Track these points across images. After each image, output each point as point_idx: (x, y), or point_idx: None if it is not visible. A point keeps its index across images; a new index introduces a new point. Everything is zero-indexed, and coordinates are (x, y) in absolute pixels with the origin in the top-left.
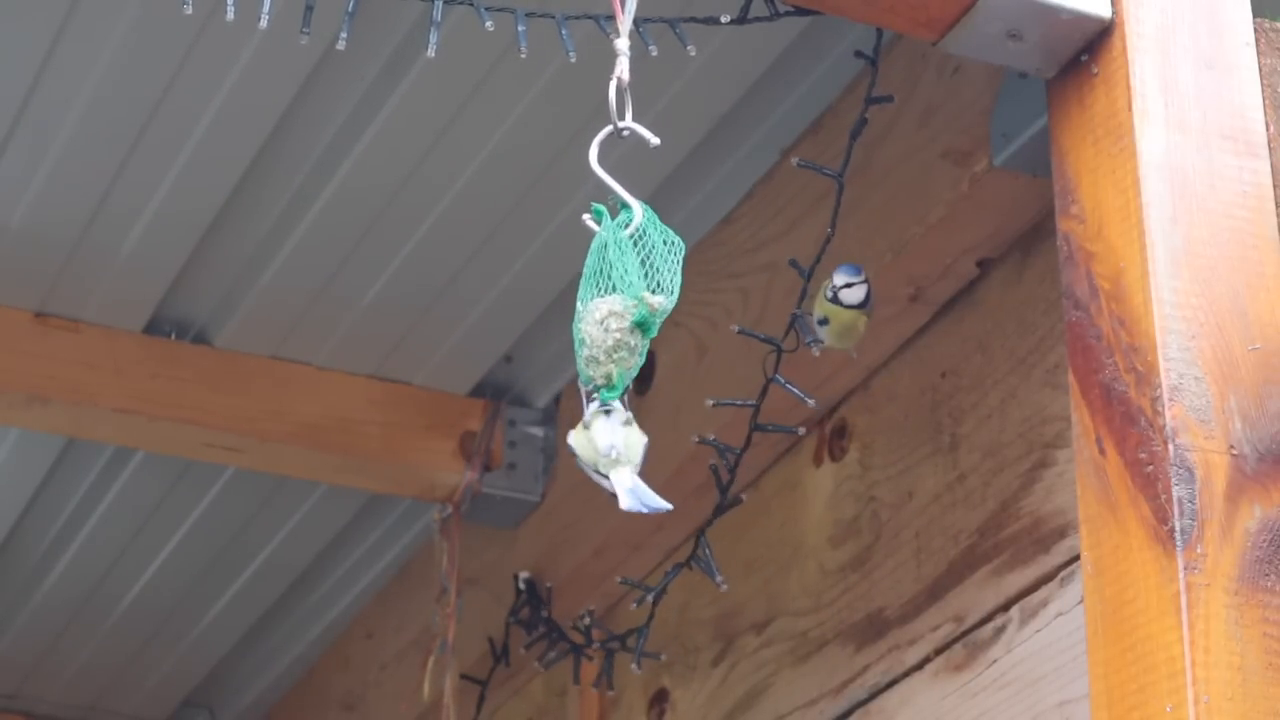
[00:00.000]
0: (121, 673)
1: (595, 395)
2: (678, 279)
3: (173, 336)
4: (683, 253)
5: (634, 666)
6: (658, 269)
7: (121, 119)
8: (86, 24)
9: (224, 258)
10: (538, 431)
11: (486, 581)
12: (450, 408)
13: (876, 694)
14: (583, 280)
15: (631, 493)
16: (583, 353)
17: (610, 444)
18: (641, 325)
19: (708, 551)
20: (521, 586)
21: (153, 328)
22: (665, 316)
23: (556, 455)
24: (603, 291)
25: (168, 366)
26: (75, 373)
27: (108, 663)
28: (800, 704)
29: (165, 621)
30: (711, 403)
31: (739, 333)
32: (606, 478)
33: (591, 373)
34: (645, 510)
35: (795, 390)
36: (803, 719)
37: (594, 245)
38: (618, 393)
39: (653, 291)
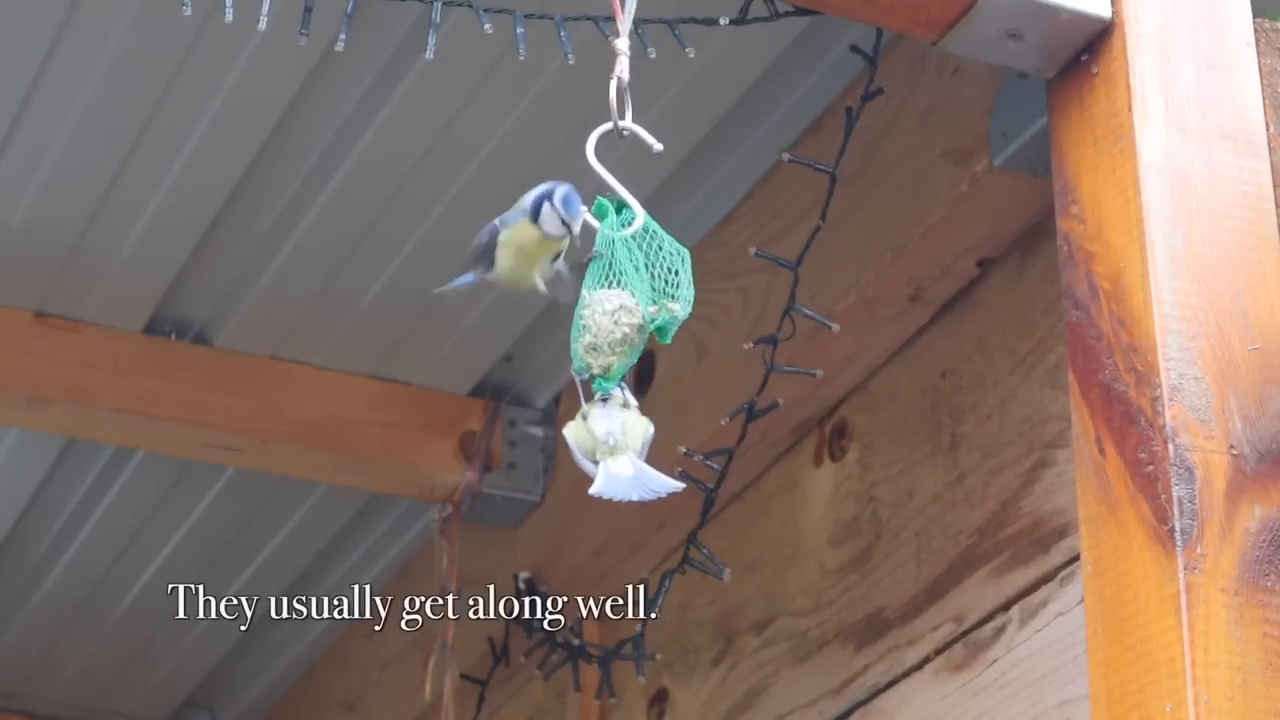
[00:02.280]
0: (121, 673)
1: (590, 383)
2: (692, 289)
3: (173, 336)
4: (689, 263)
5: (640, 677)
6: (676, 276)
7: (121, 119)
8: (86, 24)
9: (224, 258)
10: (538, 431)
11: (486, 581)
12: (450, 408)
13: (876, 694)
14: (588, 271)
15: (612, 479)
16: (584, 339)
17: (608, 430)
18: (660, 331)
19: (704, 551)
20: (522, 586)
21: (153, 328)
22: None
23: (556, 455)
24: (609, 284)
25: (168, 366)
26: (75, 373)
27: (108, 663)
28: (800, 704)
29: (165, 621)
30: (725, 421)
31: (756, 344)
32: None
33: (591, 360)
34: (636, 498)
35: (798, 370)
36: (802, 719)
37: (600, 238)
38: (614, 383)
39: (672, 299)
